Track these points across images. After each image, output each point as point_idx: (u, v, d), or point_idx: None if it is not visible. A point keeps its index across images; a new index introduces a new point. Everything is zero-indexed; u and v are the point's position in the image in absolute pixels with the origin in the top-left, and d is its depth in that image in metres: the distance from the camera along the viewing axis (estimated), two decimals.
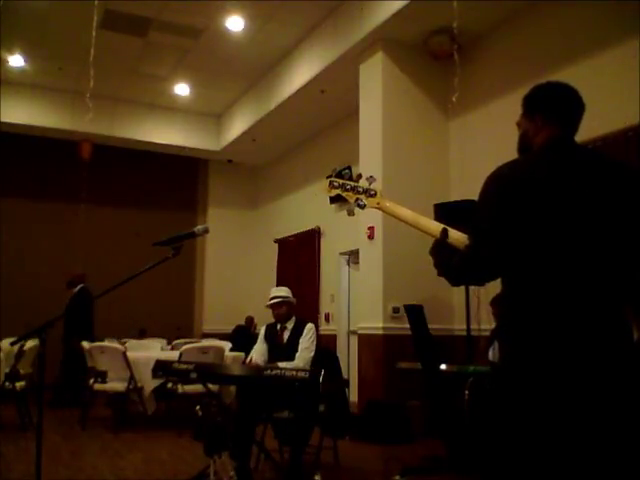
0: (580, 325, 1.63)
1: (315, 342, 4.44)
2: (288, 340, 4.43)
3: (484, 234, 1.75)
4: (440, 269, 1.89)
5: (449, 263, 1.85)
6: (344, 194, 2.13)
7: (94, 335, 7.21)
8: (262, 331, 4.61)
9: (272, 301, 4.49)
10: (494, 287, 2.52)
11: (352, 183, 2.13)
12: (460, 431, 4.57)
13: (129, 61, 8.74)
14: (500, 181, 1.75)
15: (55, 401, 7.30)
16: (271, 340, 4.49)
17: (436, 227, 1.93)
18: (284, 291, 4.59)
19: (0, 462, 4.67)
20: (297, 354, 4.32)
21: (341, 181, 2.15)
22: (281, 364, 4.03)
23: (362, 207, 2.11)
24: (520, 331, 1.69)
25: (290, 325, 4.48)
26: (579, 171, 1.74)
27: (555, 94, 1.86)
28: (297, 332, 4.43)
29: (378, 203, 2.09)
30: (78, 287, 7.42)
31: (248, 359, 4.66)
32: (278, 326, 4.52)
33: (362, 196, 2.10)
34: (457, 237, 1.90)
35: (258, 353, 4.47)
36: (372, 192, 2.10)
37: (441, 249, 1.90)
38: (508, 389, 1.70)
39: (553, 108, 1.83)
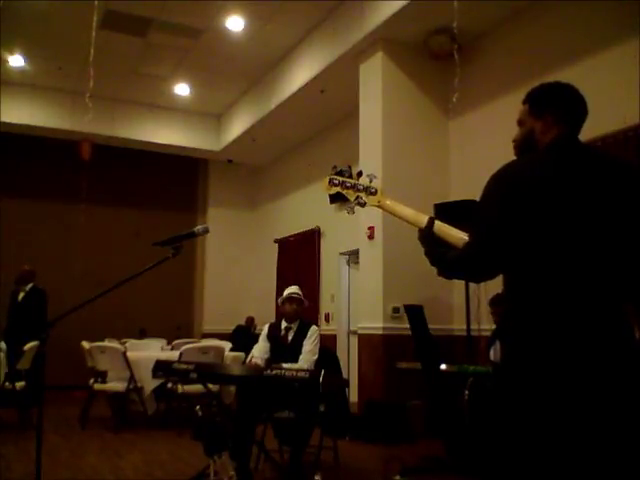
0: (583, 325, 1.63)
1: (318, 345, 4.42)
2: (292, 341, 4.41)
3: (484, 233, 1.75)
4: (430, 258, 1.90)
5: (443, 255, 1.86)
6: (344, 192, 2.12)
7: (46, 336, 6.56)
8: (265, 329, 4.58)
9: (293, 295, 4.46)
10: (494, 287, 2.52)
11: (352, 181, 2.11)
12: (460, 431, 4.57)
13: (129, 61, 8.74)
14: (506, 180, 1.74)
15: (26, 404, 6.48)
16: (274, 339, 4.46)
17: (437, 225, 1.94)
18: (299, 289, 4.60)
19: (0, 462, 4.67)
20: (301, 356, 4.30)
21: (341, 179, 2.13)
22: (285, 365, 4.02)
23: (362, 205, 2.10)
24: (523, 331, 1.69)
25: (295, 326, 4.45)
26: (586, 171, 1.74)
27: (566, 94, 1.86)
28: (301, 333, 4.41)
29: (379, 201, 2.08)
30: (29, 285, 7.11)
31: (249, 358, 4.65)
32: (283, 325, 4.49)
33: (362, 194, 2.09)
34: (454, 234, 1.91)
35: (259, 352, 4.44)
36: (373, 190, 2.09)
37: (427, 238, 1.91)
38: (510, 389, 1.70)
39: (564, 108, 1.83)
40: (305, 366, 4.20)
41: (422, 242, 1.94)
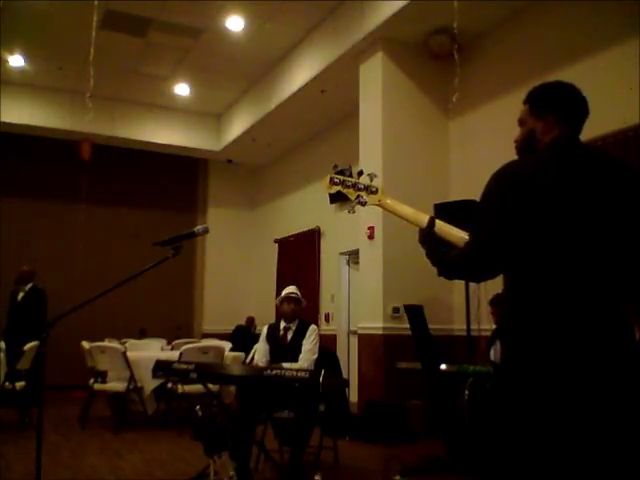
0: (584, 325, 1.63)
1: (318, 344, 4.44)
2: (291, 340, 4.42)
3: (485, 233, 1.74)
4: (431, 259, 1.89)
5: (443, 255, 1.85)
6: (345, 191, 2.11)
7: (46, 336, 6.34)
8: (264, 331, 4.59)
9: (291, 295, 4.48)
10: (494, 287, 2.52)
11: (353, 180, 2.11)
12: (460, 431, 4.57)
13: (129, 61, 8.74)
14: (506, 180, 1.74)
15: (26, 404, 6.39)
16: (274, 340, 4.47)
17: (438, 224, 1.93)
18: (296, 289, 4.62)
19: (0, 462, 4.67)
20: (300, 356, 4.31)
21: (342, 178, 2.13)
22: (285, 365, 4.03)
23: (363, 204, 2.10)
24: (523, 331, 1.69)
25: (294, 326, 4.46)
26: (585, 171, 1.74)
27: (567, 94, 1.85)
28: (300, 333, 4.42)
29: (379, 200, 2.08)
30: (29, 285, 7.08)
31: (249, 358, 4.66)
32: (281, 326, 4.50)
33: (363, 193, 2.09)
34: (454, 233, 1.90)
35: (260, 353, 4.46)
36: (373, 189, 2.09)
37: (429, 239, 1.91)
38: (510, 389, 1.70)
39: (565, 108, 1.82)
40: (305, 365, 4.20)
41: (422, 243, 1.93)
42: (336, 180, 2.13)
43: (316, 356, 4.35)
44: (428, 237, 1.92)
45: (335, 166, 8.38)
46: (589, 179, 1.72)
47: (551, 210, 1.67)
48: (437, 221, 1.93)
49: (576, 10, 5.51)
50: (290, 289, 4.59)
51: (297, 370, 3.70)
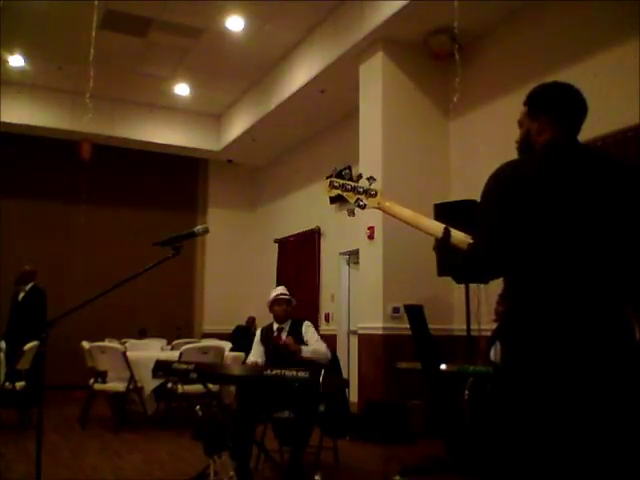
0: (583, 325, 1.63)
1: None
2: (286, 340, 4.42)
3: (487, 233, 1.75)
4: (445, 267, 1.91)
5: (453, 261, 1.86)
6: (344, 194, 2.13)
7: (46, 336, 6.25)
8: (257, 334, 4.60)
9: (281, 296, 4.49)
10: (494, 287, 2.53)
11: (352, 183, 2.13)
12: (460, 431, 4.57)
13: (129, 61, 8.74)
14: (502, 180, 1.75)
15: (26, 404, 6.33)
16: (268, 342, 4.47)
17: (437, 227, 1.94)
18: (285, 289, 4.63)
19: (0, 462, 4.67)
20: (310, 345, 4.32)
21: (341, 181, 2.15)
22: (305, 348, 4.16)
23: (362, 207, 2.11)
24: (522, 331, 1.69)
25: (287, 326, 4.48)
26: (581, 171, 1.74)
27: (560, 95, 1.85)
28: (295, 331, 4.43)
29: (379, 203, 2.09)
30: (29, 285, 7.09)
31: (246, 361, 4.65)
32: (275, 327, 4.51)
33: (362, 196, 2.11)
34: (457, 236, 1.91)
35: (255, 355, 4.46)
36: (372, 192, 2.11)
37: (444, 248, 1.91)
38: (510, 389, 1.70)
39: (558, 109, 1.83)
40: (323, 349, 4.27)
41: (437, 253, 1.95)
42: (336, 184, 2.15)
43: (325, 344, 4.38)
44: (442, 246, 1.92)
45: (335, 168, 8.39)
46: (584, 179, 1.73)
47: (544, 209, 1.68)
48: (452, 230, 1.94)
49: (576, 10, 5.51)
50: (279, 290, 4.59)
51: (297, 370, 3.70)
